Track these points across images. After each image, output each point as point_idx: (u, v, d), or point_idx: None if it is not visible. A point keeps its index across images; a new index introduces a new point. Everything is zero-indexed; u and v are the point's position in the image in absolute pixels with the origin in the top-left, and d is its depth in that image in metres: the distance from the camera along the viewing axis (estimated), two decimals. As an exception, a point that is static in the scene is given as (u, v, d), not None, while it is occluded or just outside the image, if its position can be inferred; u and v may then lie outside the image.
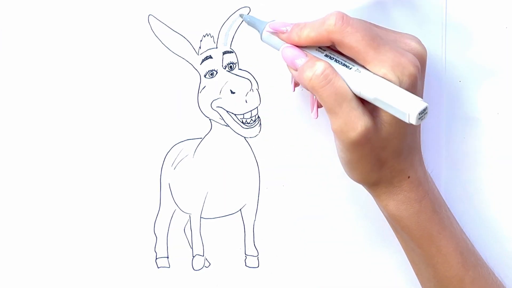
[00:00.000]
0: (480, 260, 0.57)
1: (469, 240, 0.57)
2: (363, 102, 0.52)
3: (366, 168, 0.53)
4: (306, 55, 0.53)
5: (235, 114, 0.60)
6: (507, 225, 0.61)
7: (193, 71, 0.60)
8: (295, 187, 0.61)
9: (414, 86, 0.51)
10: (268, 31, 0.55)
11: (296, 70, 0.53)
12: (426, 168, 0.56)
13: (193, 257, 0.61)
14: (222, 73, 0.60)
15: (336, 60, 0.52)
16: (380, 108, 0.51)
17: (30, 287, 0.61)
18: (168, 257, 0.61)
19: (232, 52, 0.60)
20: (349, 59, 0.52)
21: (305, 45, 0.53)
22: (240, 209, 0.61)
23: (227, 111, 0.60)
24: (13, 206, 0.61)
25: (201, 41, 0.60)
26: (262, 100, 0.60)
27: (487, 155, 0.61)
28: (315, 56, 0.53)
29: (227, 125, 0.60)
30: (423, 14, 0.59)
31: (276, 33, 0.54)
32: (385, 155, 0.53)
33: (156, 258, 0.61)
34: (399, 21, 0.60)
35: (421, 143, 0.56)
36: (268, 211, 0.61)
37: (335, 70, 0.51)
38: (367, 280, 0.62)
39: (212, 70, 0.60)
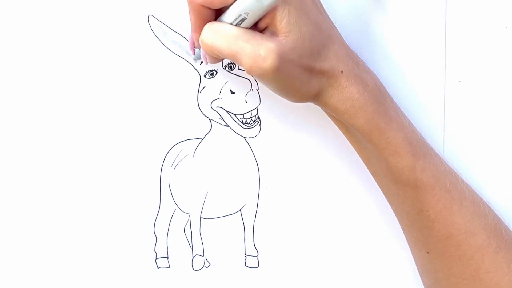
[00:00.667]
0: (431, 150, 0.57)
1: (418, 131, 0.57)
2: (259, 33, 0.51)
3: (297, 84, 0.53)
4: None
5: (235, 114, 0.60)
6: (507, 223, 0.61)
7: (193, 71, 0.60)
8: (295, 187, 0.61)
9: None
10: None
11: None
12: (360, 61, 0.56)
13: (193, 257, 0.61)
14: (222, 73, 0.60)
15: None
16: (271, 25, 0.51)
17: (30, 287, 0.61)
18: (168, 257, 0.61)
19: (232, 52, 0.60)
20: None
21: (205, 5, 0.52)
22: (240, 209, 0.61)
23: (227, 111, 0.60)
24: (13, 206, 0.61)
25: (201, 41, 0.60)
26: (262, 100, 0.60)
27: (487, 155, 0.61)
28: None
29: (227, 125, 0.60)
30: (423, 14, 0.59)
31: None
32: (306, 61, 0.52)
33: (156, 258, 0.61)
34: (399, 21, 0.60)
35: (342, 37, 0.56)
36: (268, 211, 0.61)
37: (220, 23, 0.51)
38: (367, 280, 0.62)
39: (212, 70, 0.60)
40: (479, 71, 0.60)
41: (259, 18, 0.51)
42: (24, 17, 0.59)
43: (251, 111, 0.60)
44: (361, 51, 0.60)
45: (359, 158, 0.58)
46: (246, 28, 0.51)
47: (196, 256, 0.61)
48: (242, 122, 0.60)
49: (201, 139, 0.61)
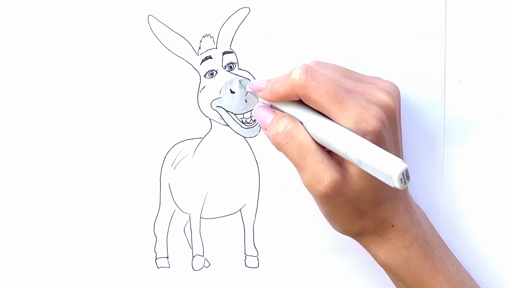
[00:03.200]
0: None
1: (468, 276, 0.57)
2: (330, 153, 0.51)
3: (344, 219, 0.53)
4: (274, 113, 0.53)
5: (235, 114, 0.60)
6: (507, 224, 0.61)
7: (193, 71, 0.60)
8: (295, 187, 0.61)
9: (380, 140, 0.50)
10: (249, 92, 0.57)
11: (266, 129, 0.54)
12: (415, 213, 0.55)
13: (193, 257, 0.61)
14: (222, 73, 0.60)
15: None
16: (348, 161, 0.50)
17: (30, 287, 0.61)
18: (168, 257, 0.61)
19: (232, 53, 0.60)
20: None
21: (278, 101, 0.53)
22: (240, 209, 0.61)
23: (227, 111, 0.60)
24: (13, 207, 0.61)
25: (200, 41, 0.60)
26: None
27: (487, 155, 0.61)
28: (281, 113, 0.53)
29: (227, 125, 0.60)
30: (423, 14, 0.59)
31: (255, 91, 0.55)
32: (363, 206, 0.52)
33: (156, 258, 0.61)
34: (399, 21, 0.60)
35: (408, 189, 0.56)
36: (268, 211, 0.61)
37: (299, 125, 0.51)
38: (366, 280, 0.62)
39: (212, 70, 0.60)
40: (479, 71, 0.60)
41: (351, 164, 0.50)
42: (24, 17, 0.59)
43: (251, 111, 0.60)
44: (360, 51, 0.60)
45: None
46: (320, 145, 0.51)
47: (196, 256, 0.61)
48: (242, 122, 0.60)
49: (201, 139, 0.61)
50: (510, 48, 0.60)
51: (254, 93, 0.56)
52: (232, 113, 0.60)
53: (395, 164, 0.47)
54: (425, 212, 0.58)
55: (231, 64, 0.60)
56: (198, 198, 0.61)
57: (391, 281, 0.58)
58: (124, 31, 0.60)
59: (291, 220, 0.61)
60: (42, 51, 0.60)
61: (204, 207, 0.61)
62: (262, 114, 0.54)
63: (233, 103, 0.60)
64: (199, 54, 0.60)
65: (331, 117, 0.50)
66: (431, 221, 0.58)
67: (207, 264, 0.61)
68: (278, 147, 0.52)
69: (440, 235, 0.58)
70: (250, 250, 0.61)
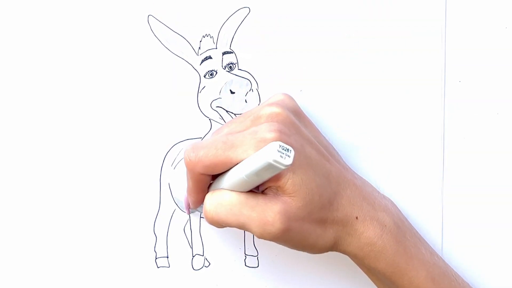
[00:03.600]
0: (454, 281, 0.56)
1: (442, 260, 0.56)
2: (261, 194, 0.51)
3: (311, 239, 0.52)
4: (188, 207, 0.58)
5: (235, 114, 0.60)
6: (507, 224, 0.61)
7: (193, 71, 0.60)
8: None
9: (286, 143, 0.49)
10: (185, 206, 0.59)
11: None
12: (375, 199, 0.55)
13: (193, 256, 0.61)
14: (222, 73, 0.60)
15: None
16: (274, 186, 0.50)
17: (30, 287, 0.61)
18: (168, 257, 0.61)
19: (232, 53, 0.60)
20: None
21: (199, 196, 0.54)
22: (240, 209, 0.61)
23: (226, 111, 0.60)
24: (13, 206, 0.61)
25: (200, 41, 0.60)
26: (262, 100, 0.60)
27: (487, 155, 0.61)
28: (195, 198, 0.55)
29: (227, 125, 0.60)
30: (423, 14, 0.59)
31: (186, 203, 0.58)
32: (318, 215, 0.51)
33: (156, 258, 0.61)
34: (399, 21, 0.59)
35: (350, 169, 0.56)
36: (268, 211, 0.61)
37: (214, 192, 0.52)
38: (367, 280, 0.62)
39: (211, 71, 0.60)
40: (479, 71, 0.60)
41: (276, 186, 0.50)
42: (24, 17, 0.59)
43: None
44: (360, 51, 0.60)
45: (358, 157, 0.58)
46: (247, 192, 0.50)
47: (196, 255, 0.61)
48: (242, 122, 0.60)
49: (201, 139, 0.61)
50: (510, 48, 0.60)
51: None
52: (232, 113, 0.60)
53: (269, 149, 0.46)
54: (424, 212, 0.58)
55: (231, 64, 0.60)
56: (198, 198, 0.61)
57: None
58: (124, 31, 0.60)
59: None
60: (42, 51, 0.60)
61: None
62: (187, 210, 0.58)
63: (233, 103, 0.60)
64: (199, 54, 0.60)
65: (234, 164, 0.50)
66: (431, 221, 0.58)
67: (207, 264, 0.61)
68: (218, 223, 0.52)
69: (441, 235, 0.58)
70: (250, 250, 0.61)
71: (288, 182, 0.49)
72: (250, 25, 0.60)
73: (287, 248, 0.61)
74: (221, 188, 0.52)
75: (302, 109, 0.58)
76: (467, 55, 0.60)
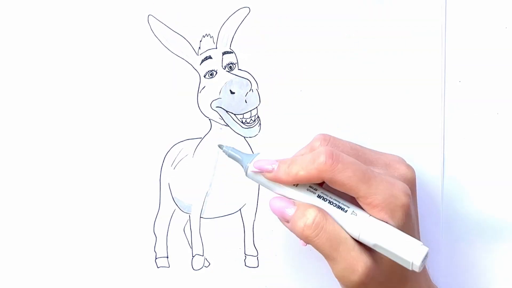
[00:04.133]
0: None
1: None
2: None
3: None
4: (295, 204, 0.52)
5: (234, 114, 0.60)
6: (508, 224, 0.61)
7: (193, 71, 0.60)
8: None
9: (408, 215, 0.50)
10: (253, 171, 0.53)
11: (287, 221, 0.52)
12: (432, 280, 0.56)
13: (193, 257, 0.61)
14: (222, 74, 0.60)
15: (330, 202, 0.52)
16: None
17: (30, 287, 0.61)
18: (167, 257, 0.61)
19: (232, 53, 0.60)
20: (341, 195, 0.52)
21: (293, 183, 0.52)
22: (240, 209, 0.61)
23: (226, 111, 0.60)
24: (13, 207, 0.61)
25: (200, 41, 0.60)
26: (262, 100, 0.60)
27: (487, 155, 0.61)
28: (304, 203, 0.52)
29: (227, 125, 0.60)
30: (423, 14, 0.59)
31: (261, 172, 0.53)
32: (392, 286, 0.52)
33: (156, 258, 0.61)
34: (399, 22, 0.59)
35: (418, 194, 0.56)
36: (268, 211, 0.61)
37: (326, 214, 0.51)
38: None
39: (211, 71, 0.60)
40: (479, 71, 0.60)
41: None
42: (24, 17, 0.59)
43: (250, 111, 0.60)
44: (360, 51, 0.60)
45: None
46: (350, 235, 0.51)
47: (196, 255, 0.61)
48: (242, 122, 0.60)
49: (200, 139, 0.61)
50: (510, 48, 0.60)
51: (254, 171, 0.53)
52: (232, 113, 0.60)
53: (416, 249, 0.48)
54: (425, 212, 0.58)
55: (231, 64, 0.60)
56: (198, 198, 0.61)
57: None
58: (124, 31, 0.60)
59: (291, 220, 0.61)
60: (42, 51, 0.60)
61: (204, 207, 0.61)
62: (281, 205, 0.52)
63: (233, 103, 0.60)
64: (199, 54, 0.60)
65: (359, 197, 0.50)
66: (431, 221, 0.58)
67: (207, 264, 0.61)
68: (307, 240, 0.51)
69: (441, 235, 0.58)
70: (250, 250, 0.61)
71: None
72: (250, 25, 0.60)
73: (287, 248, 0.61)
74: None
75: (302, 107, 0.57)
76: (467, 55, 0.60)
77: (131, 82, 0.60)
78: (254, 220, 0.61)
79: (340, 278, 0.51)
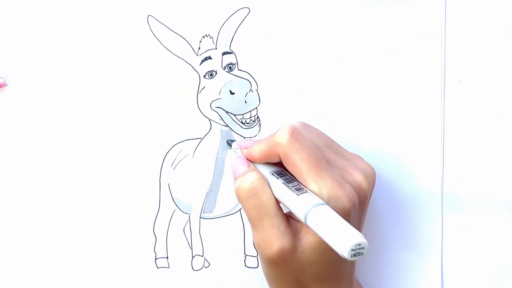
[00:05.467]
0: None
1: None
2: (288, 220, 0.51)
3: (284, 286, 0.53)
4: (248, 166, 0.53)
5: (234, 115, 0.60)
6: (508, 224, 0.61)
7: (193, 71, 0.60)
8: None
9: (348, 220, 0.49)
10: (235, 148, 0.57)
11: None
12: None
13: (193, 257, 0.61)
14: (222, 74, 0.60)
15: (283, 182, 0.51)
16: (304, 232, 0.50)
17: (30, 287, 0.61)
18: (167, 258, 0.61)
19: (232, 53, 0.60)
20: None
21: (260, 161, 0.53)
22: (240, 209, 0.61)
23: (226, 112, 0.60)
24: (13, 207, 0.61)
25: (200, 42, 0.60)
26: (262, 101, 0.60)
27: (487, 155, 0.60)
28: (253, 168, 0.53)
29: (227, 125, 0.60)
30: (422, 14, 0.59)
31: (240, 149, 0.56)
32: (305, 278, 0.52)
33: (156, 259, 0.61)
34: (399, 22, 0.59)
35: (354, 269, 0.55)
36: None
37: (265, 185, 0.51)
38: (365, 280, 0.62)
39: (211, 71, 0.60)
40: (479, 71, 0.60)
41: (309, 235, 0.51)
42: (24, 17, 0.59)
43: (250, 111, 0.60)
44: (359, 51, 0.60)
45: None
46: (281, 210, 0.51)
47: (196, 256, 0.61)
48: (242, 123, 0.60)
49: (200, 139, 0.61)
50: (510, 48, 0.59)
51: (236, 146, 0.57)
52: (231, 114, 0.60)
53: (352, 234, 0.46)
54: (424, 212, 0.58)
55: (230, 65, 0.60)
56: (198, 198, 0.61)
57: (389, 281, 0.58)
58: (123, 31, 0.60)
59: (291, 220, 0.61)
60: (42, 51, 0.60)
61: (203, 207, 0.61)
62: (236, 164, 0.54)
63: (232, 103, 0.60)
64: (198, 54, 0.60)
65: (304, 183, 0.50)
66: (431, 221, 0.58)
67: (206, 264, 0.61)
68: (239, 199, 0.52)
69: (441, 235, 0.58)
70: (250, 250, 0.61)
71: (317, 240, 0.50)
72: (250, 25, 0.60)
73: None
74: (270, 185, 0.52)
75: (301, 107, 0.57)
76: (467, 55, 0.60)
77: (130, 83, 0.60)
78: (254, 221, 0.61)
79: (256, 247, 0.52)
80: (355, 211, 0.51)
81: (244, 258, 0.62)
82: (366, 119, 0.60)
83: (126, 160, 0.60)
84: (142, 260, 0.61)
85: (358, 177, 0.52)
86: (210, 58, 0.60)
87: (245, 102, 0.60)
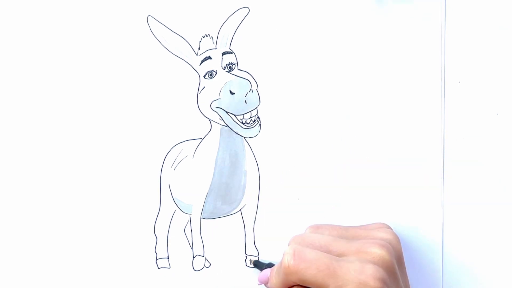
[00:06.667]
0: None
1: None
2: None
3: None
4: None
5: (234, 115, 0.60)
6: (508, 224, 0.61)
7: (193, 72, 0.60)
8: (295, 187, 0.61)
9: (387, 285, 0.50)
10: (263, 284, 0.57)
11: None
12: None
13: (194, 257, 0.61)
14: (222, 74, 0.60)
15: None
16: None
17: (30, 287, 0.61)
18: (168, 258, 0.61)
19: (232, 53, 0.60)
20: None
21: None
22: (240, 209, 0.61)
23: (226, 112, 0.60)
24: (14, 207, 0.61)
25: (200, 42, 0.60)
26: (262, 101, 0.60)
27: (487, 155, 0.61)
28: None
29: (227, 126, 0.60)
30: (422, 14, 0.59)
31: (265, 284, 0.56)
32: None
33: (157, 259, 0.61)
34: (398, 21, 0.59)
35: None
36: (268, 211, 0.61)
37: None
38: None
39: (211, 71, 0.60)
40: (479, 71, 0.60)
41: None
42: (24, 17, 0.59)
43: (250, 111, 0.60)
44: (359, 51, 0.59)
45: (358, 157, 0.58)
46: None
47: (197, 256, 0.61)
48: (242, 123, 0.60)
49: (200, 139, 0.61)
50: (510, 48, 0.59)
51: None
52: (232, 114, 0.60)
53: None
54: (425, 212, 0.58)
55: (230, 65, 0.60)
56: (198, 198, 0.61)
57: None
58: (123, 32, 0.59)
59: (291, 220, 0.61)
60: (42, 52, 0.60)
61: (204, 207, 0.61)
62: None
63: (232, 104, 0.60)
64: (198, 54, 0.60)
65: None
66: (431, 221, 0.58)
67: (207, 264, 0.62)
68: None
69: (441, 235, 0.58)
70: (251, 250, 0.62)
71: None
72: (249, 25, 0.60)
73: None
74: None
75: (302, 107, 0.58)
76: (467, 56, 0.60)
77: (130, 83, 0.60)
78: (255, 220, 0.61)
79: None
80: (388, 284, 0.51)
81: (245, 258, 0.62)
82: (366, 119, 0.60)
83: (127, 161, 0.60)
84: (143, 260, 0.61)
85: (376, 251, 0.52)
86: (210, 58, 0.60)
87: (245, 102, 0.60)
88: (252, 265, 0.60)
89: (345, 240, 0.54)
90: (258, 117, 0.60)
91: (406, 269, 0.55)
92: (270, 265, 0.59)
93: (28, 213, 0.61)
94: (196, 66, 0.60)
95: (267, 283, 0.56)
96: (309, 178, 0.61)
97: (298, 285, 0.52)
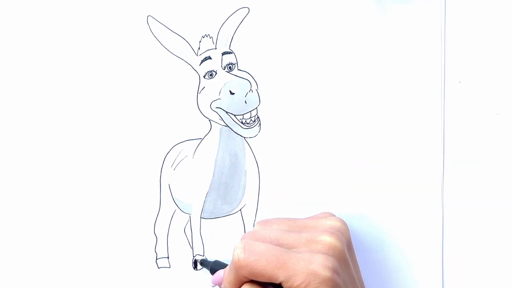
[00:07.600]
0: None
1: None
2: None
3: None
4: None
5: (234, 115, 0.60)
6: (508, 224, 0.61)
7: (193, 72, 0.60)
8: (295, 187, 0.61)
9: (336, 285, 0.50)
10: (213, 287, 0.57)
11: None
12: None
13: (194, 257, 0.62)
14: (222, 74, 0.60)
15: None
16: None
17: (30, 287, 0.61)
18: (168, 258, 0.61)
19: (231, 53, 0.60)
20: None
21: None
22: (240, 209, 0.61)
23: (226, 112, 0.60)
24: (14, 207, 0.61)
25: (200, 42, 0.60)
26: (262, 101, 0.60)
27: (487, 156, 0.61)
28: None
29: (227, 126, 0.60)
30: (422, 14, 0.59)
31: (219, 285, 0.56)
32: None
33: (157, 259, 0.61)
34: (398, 22, 0.59)
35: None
36: (268, 211, 0.61)
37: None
38: (365, 280, 0.62)
39: (211, 71, 0.60)
40: (479, 71, 0.60)
41: None
42: (24, 17, 0.59)
43: (250, 111, 0.60)
44: (359, 51, 0.59)
45: (358, 157, 0.58)
46: None
47: (197, 256, 0.61)
48: (242, 123, 0.60)
49: (200, 139, 0.61)
50: (510, 48, 0.59)
51: None
52: (231, 114, 0.60)
53: None
54: (424, 212, 0.58)
55: (230, 65, 0.60)
56: (198, 198, 0.61)
57: (389, 282, 0.58)
58: (123, 32, 0.59)
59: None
60: (42, 52, 0.60)
61: (204, 207, 0.61)
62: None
63: (232, 104, 0.60)
64: (198, 54, 0.60)
65: (281, 283, 0.50)
66: (431, 221, 0.58)
67: (207, 264, 0.62)
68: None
69: (441, 234, 0.58)
70: (250, 250, 0.62)
71: None
72: (249, 25, 0.60)
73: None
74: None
75: (301, 107, 0.58)
76: (467, 56, 0.60)
77: (130, 83, 0.60)
78: (255, 220, 0.61)
79: None
80: (339, 272, 0.51)
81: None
82: (366, 119, 0.60)
83: (127, 161, 0.60)
84: (143, 260, 0.61)
85: (326, 239, 0.52)
86: (210, 58, 0.60)
87: (245, 102, 0.60)
88: (200, 266, 0.60)
89: (295, 232, 0.54)
90: (258, 117, 0.60)
91: (406, 269, 0.55)
92: (218, 263, 0.59)
93: (28, 213, 0.61)
94: (196, 66, 0.60)
95: (221, 284, 0.56)
96: (309, 178, 0.61)
97: (251, 281, 0.52)
